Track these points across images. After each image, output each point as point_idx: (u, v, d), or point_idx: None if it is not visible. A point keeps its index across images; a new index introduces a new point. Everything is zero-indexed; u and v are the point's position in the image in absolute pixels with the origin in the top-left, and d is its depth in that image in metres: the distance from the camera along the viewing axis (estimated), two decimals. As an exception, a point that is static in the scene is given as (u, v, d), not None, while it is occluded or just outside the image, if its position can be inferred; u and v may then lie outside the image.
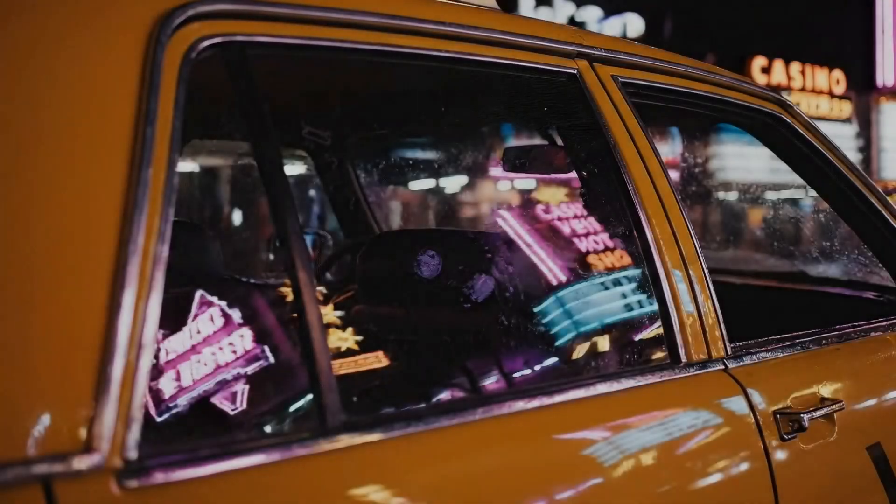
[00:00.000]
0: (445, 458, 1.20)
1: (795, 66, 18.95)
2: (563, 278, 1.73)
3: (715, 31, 16.67)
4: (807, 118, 2.24)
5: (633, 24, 16.87)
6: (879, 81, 20.81)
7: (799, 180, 2.28)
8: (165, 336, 1.20)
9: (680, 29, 16.96)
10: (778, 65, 18.57)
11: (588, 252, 1.98)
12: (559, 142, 2.07)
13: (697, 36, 16.04)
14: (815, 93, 19.18)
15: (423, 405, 1.35)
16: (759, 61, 18.21)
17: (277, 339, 1.32)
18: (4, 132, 0.96)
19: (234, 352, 1.26)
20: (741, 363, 1.67)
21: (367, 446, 1.11)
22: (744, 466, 1.56)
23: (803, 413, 1.64)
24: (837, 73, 19.86)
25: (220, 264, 1.90)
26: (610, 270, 1.76)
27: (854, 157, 14.09)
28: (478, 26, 1.54)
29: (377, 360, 1.56)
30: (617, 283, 1.71)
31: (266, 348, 1.27)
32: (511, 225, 1.84)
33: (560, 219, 1.84)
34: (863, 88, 20.65)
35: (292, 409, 1.28)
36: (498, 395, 1.33)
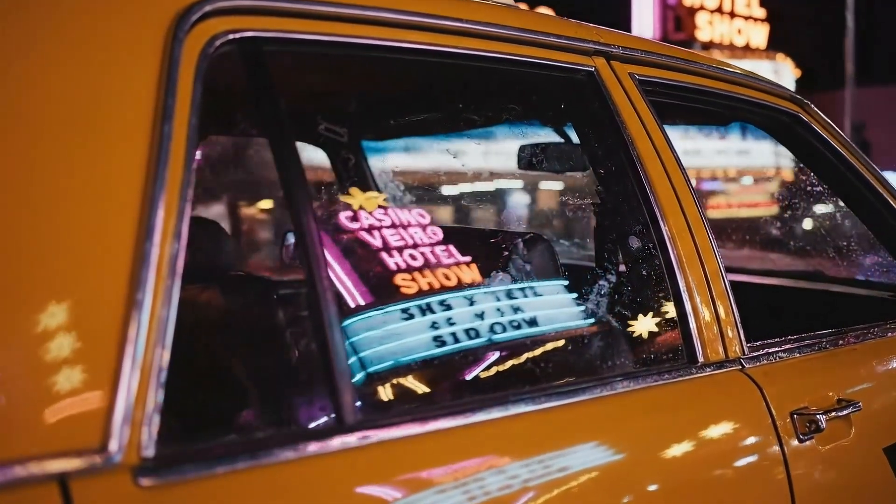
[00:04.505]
0: (447, 453, 1.20)
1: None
2: (579, 278, 1.72)
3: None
4: (824, 116, 2.22)
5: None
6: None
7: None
8: (182, 333, 1.20)
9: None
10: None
11: (603, 251, 1.97)
12: (576, 138, 2.06)
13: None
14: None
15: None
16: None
17: (293, 337, 1.32)
18: (21, 128, 0.96)
19: (251, 349, 1.26)
20: (758, 363, 1.66)
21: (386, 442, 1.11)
22: (760, 467, 1.55)
23: (820, 413, 1.63)
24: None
25: (235, 261, 1.90)
26: (626, 270, 1.75)
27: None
28: (496, 23, 1.53)
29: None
30: (632, 282, 1.70)
31: (283, 346, 1.27)
32: (524, 223, 1.83)
33: (573, 217, 1.83)
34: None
35: (308, 406, 1.28)
36: (522, 393, 1.32)
